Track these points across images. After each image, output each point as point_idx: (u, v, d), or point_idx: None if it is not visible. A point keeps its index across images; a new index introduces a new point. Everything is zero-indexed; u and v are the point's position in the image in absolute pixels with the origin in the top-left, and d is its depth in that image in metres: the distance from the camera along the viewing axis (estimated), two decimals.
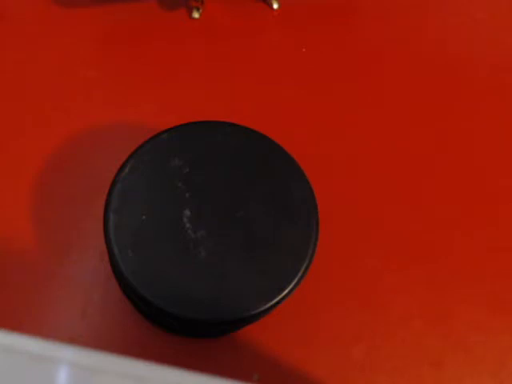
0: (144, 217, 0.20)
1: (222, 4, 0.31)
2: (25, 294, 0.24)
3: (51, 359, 0.14)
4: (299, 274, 0.20)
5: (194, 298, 0.20)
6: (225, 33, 0.31)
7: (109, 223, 0.20)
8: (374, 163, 0.28)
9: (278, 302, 0.20)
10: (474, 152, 0.29)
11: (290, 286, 0.20)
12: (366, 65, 0.31)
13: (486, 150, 0.29)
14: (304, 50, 0.31)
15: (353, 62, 0.31)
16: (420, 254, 0.27)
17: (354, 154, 0.28)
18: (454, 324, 0.26)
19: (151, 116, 0.28)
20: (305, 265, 0.21)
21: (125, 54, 0.30)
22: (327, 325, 0.25)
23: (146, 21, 0.31)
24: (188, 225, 0.20)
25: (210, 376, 0.14)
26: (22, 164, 0.27)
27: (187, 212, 0.21)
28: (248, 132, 0.22)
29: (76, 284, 0.25)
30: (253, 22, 0.31)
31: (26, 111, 0.28)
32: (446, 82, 0.31)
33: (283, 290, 0.20)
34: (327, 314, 0.25)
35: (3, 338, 0.14)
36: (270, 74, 0.30)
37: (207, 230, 0.20)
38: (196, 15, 0.31)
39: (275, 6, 0.32)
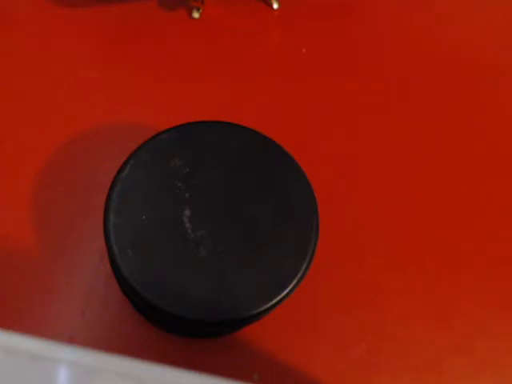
0: (144, 217, 0.20)
1: (222, 4, 0.31)
2: (25, 294, 0.24)
3: (51, 359, 0.14)
4: (299, 274, 0.20)
5: (194, 298, 0.20)
6: (225, 33, 0.31)
7: (109, 223, 0.20)
8: (374, 163, 0.28)
9: (278, 302, 0.20)
10: (475, 151, 0.29)
11: (290, 286, 0.20)
12: (366, 65, 0.31)
13: (487, 149, 0.29)
14: (304, 50, 0.31)
15: (353, 62, 0.31)
16: (420, 254, 0.27)
17: (354, 154, 0.28)
18: (454, 324, 0.26)
19: (151, 116, 0.28)
20: (305, 265, 0.21)
21: (125, 54, 0.30)
22: (327, 325, 0.25)
23: (146, 21, 0.31)
24: (188, 225, 0.20)
25: (210, 376, 0.14)
26: (21, 164, 0.27)
27: (187, 212, 0.21)
28: (248, 132, 0.22)
29: (76, 284, 0.25)
30: (253, 22, 0.31)
31: (26, 111, 0.28)
32: (446, 81, 0.31)
33: (283, 289, 0.20)
34: (327, 314, 0.25)
35: (3, 338, 0.14)
36: (270, 74, 0.30)
37: (207, 229, 0.20)
38: (196, 15, 0.31)
39: (275, 6, 0.32)
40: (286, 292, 0.20)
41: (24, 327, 0.24)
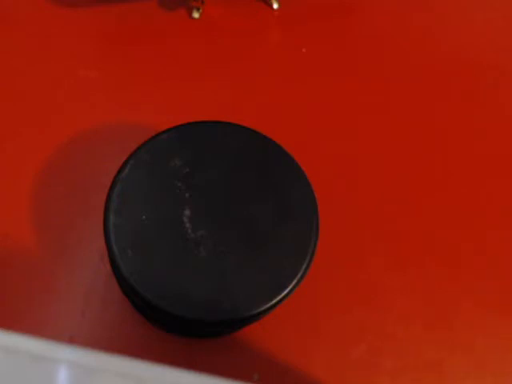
0: (144, 217, 0.20)
1: (221, 4, 0.31)
2: (25, 294, 0.24)
3: (51, 359, 0.14)
4: (299, 274, 0.20)
5: (194, 298, 0.20)
6: (225, 33, 0.31)
7: (109, 223, 0.20)
8: (374, 163, 0.28)
9: (278, 302, 0.20)
10: (475, 151, 0.29)
11: (290, 286, 0.20)
12: (366, 65, 0.31)
13: (487, 149, 0.29)
14: (304, 50, 0.31)
15: (353, 62, 0.31)
16: (420, 254, 0.27)
17: (354, 154, 0.28)
18: (454, 324, 0.26)
19: (151, 116, 0.28)
20: (305, 265, 0.21)
21: (125, 54, 0.30)
22: (327, 325, 0.25)
23: (146, 21, 0.31)
24: (188, 225, 0.20)
25: (210, 376, 0.14)
26: (21, 164, 0.27)
27: (187, 212, 0.21)
28: (248, 132, 0.22)
29: (76, 284, 0.25)
30: (253, 22, 0.31)
31: (26, 111, 0.28)
32: (446, 81, 0.31)
33: (283, 289, 0.20)
34: (327, 314, 0.25)
35: (3, 338, 0.14)
36: (270, 74, 0.30)
37: (207, 229, 0.20)
38: (196, 15, 0.31)
39: (275, 6, 0.32)
40: (286, 292, 0.20)
41: (24, 327, 0.24)
